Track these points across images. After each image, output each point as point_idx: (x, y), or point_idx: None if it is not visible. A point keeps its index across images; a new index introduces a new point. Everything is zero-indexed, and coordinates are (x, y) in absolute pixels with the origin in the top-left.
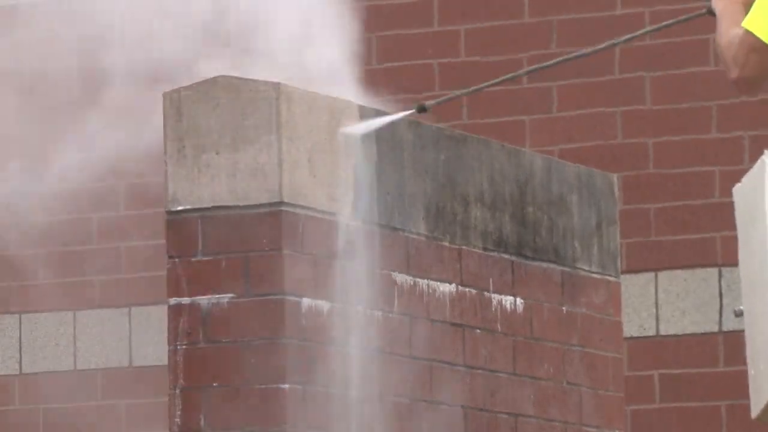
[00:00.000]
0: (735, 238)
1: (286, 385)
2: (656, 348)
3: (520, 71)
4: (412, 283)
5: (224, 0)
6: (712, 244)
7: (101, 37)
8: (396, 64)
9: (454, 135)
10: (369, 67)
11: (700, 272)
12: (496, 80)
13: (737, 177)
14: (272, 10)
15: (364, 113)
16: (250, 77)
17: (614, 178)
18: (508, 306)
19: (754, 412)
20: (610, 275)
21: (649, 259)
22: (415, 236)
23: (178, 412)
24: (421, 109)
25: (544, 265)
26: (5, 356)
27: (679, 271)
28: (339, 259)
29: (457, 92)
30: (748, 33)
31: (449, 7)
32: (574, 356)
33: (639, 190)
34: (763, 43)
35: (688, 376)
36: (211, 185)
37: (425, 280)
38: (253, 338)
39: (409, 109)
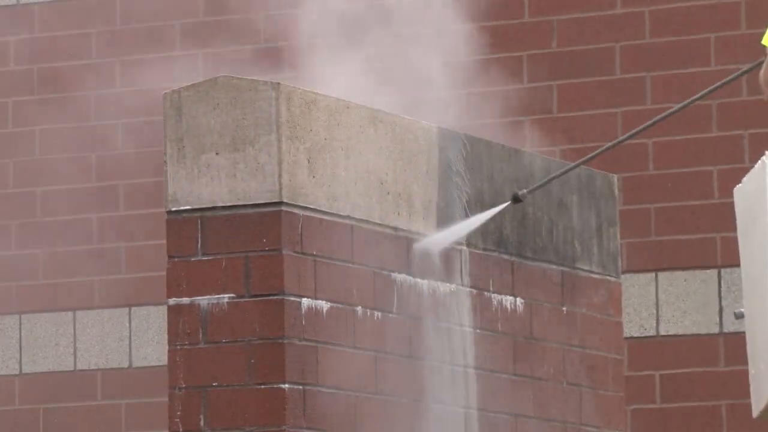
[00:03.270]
0: (735, 239)
1: (286, 385)
2: (656, 348)
3: (629, 133)
4: (412, 283)
5: None
6: (712, 245)
7: None
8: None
9: (453, 135)
10: (371, 68)
11: (699, 273)
12: (591, 156)
13: (737, 177)
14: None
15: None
16: (251, 77)
17: (614, 178)
18: (508, 306)
19: (755, 411)
20: (610, 275)
21: (649, 259)
22: (414, 236)
23: (178, 412)
24: (516, 200)
25: (544, 265)
26: (5, 356)
27: (679, 272)
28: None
29: (549, 177)
30: None
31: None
32: (574, 356)
33: (639, 190)
34: None
35: (688, 376)
36: (211, 185)
37: (425, 280)
38: (253, 338)
39: (503, 203)
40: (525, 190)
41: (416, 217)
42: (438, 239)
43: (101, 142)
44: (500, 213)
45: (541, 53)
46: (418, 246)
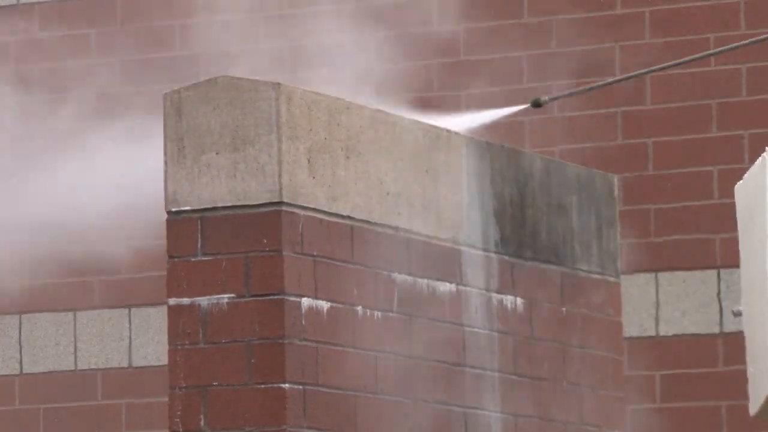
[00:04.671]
0: (734, 239)
1: (286, 385)
2: (656, 348)
3: (643, 70)
4: (412, 283)
5: None
6: (712, 245)
7: None
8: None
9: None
10: (371, 68)
11: (699, 273)
12: (617, 78)
13: (737, 177)
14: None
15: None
16: (250, 77)
17: (614, 178)
18: (508, 306)
19: (753, 409)
20: (609, 276)
21: (649, 259)
22: (414, 236)
23: (178, 412)
24: (536, 104)
25: (544, 265)
26: (5, 356)
27: (678, 272)
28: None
29: (576, 90)
30: None
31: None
32: (574, 356)
33: (639, 191)
34: None
35: (688, 376)
36: (211, 185)
37: (425, 280)
38: (253, 338)
39: (522, 104)
40: (547, 97)
41: (416, 217)
42: (461, 121)
43: (102, 142)
44: (501, 208)
45: (541, 53)
46: (445, 124)
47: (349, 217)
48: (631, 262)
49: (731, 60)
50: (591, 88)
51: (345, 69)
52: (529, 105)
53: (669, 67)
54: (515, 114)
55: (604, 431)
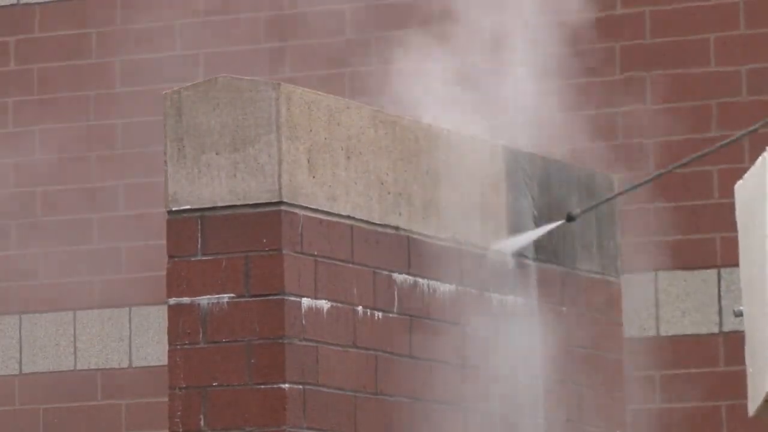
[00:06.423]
0: (734, 239)
1: (286, 385)
2: (656, 348)
3: (692, 156)
4: (412, 283)
5: None
6: (712, 245)
7: None
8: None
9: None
10: (367, 68)
11: (699, 273)
12: (648, 178)
13: (737, 177)
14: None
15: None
16: (251, 78)
17: (614, 178)
18: (508, 306)
19: (751, 410)
20: (610, 275)
21: (649, 259)
22: (414, 236)
23: (178, 412)
24: (570, 218)
25: (544, 265)
26: (5, 356)
27: (679, 272)
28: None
29: (605, 198)
30: None
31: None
32: (574, 356)
33: (639, 190)
34: None
35: (688, 376)
36: (211, 185)
37: (425, 280)
38: (253, 338)
39: (556, 221)
40: (579, 210)
41: (416, 217)
42: (509, 245)
43: (101, 142)
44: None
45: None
46: (492, 249)
47: (349, 217)
48: (631, 262)
49: (731, 60)
50: (625, 192)
51: (353, 70)
52: (565, 220)
53: (717, 149)
54: (552, 230)
55: (604, 431)
